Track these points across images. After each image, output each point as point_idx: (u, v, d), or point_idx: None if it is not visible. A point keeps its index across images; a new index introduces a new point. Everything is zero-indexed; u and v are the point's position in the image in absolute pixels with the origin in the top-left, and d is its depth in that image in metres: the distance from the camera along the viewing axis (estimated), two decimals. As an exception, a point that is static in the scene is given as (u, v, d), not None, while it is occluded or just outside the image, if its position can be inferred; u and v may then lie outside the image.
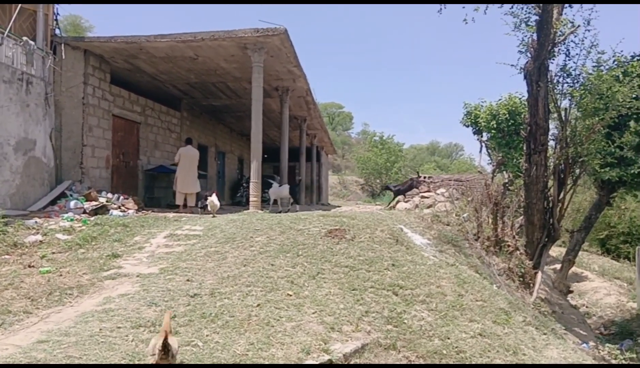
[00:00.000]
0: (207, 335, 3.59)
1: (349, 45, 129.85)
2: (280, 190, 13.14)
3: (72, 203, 9.34)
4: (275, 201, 12.95)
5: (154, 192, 14.25)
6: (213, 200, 10.05)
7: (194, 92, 15.53)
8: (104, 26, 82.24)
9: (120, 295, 4.47)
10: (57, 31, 11.26)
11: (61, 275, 5.26)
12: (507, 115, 15.29)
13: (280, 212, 10.62)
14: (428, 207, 13.69)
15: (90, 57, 11.33)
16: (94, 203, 9.61)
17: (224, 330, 3.71)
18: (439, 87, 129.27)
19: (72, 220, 8.07)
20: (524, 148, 9.44)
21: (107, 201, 10.10)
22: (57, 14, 11.35)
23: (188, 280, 4.87)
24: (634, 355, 8.35)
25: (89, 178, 11.18)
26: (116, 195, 10.77)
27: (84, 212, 9.09)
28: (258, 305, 4.26)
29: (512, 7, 9.13)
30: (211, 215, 9.56)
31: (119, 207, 10.06)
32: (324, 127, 23.50)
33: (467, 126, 17.23)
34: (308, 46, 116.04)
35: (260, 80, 11.07)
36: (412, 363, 3.90)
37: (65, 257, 6.06)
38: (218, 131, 20.55)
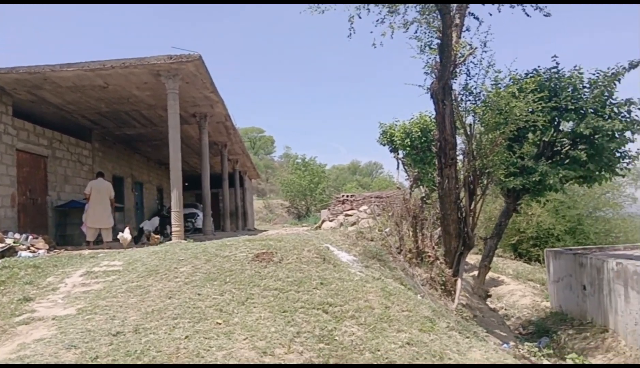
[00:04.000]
0: (133, 374, 3.43)
1: (267, 69, 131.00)
2: (153, 222, 14.25)
3: (-27, 248, 8.55)
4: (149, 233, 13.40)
5: (67, 229, 13.39)
6: (123, 235, 10.20)
7: (106, 121, 14.90)
8: (5, 57, 77.26)
9: (36, 340, 4.15)
10: (-52, 62, 10.42)
11: (-34, 325, 4.79)
12: (420, 133, 16.13)
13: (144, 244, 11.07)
14: (352, 225, 13.98)
15: (-11, 89, 10.58)
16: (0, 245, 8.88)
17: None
18: (357, 108, 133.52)
19: (-27, 265, 7.37)
20: (436, 163, 9.96)
21: (14, 242, 9.36)
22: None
23: (109, 319, 4.63)
24: (551, 351, 8.97)
25: (-8, 219, 10.33)
26: (24, 235, 10.01)
27: (-12, 256, 8.36)
28: (186, 337, 4.13)
29: (416, 32, 9.70)
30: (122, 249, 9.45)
31: (28, 248, 9.37)
32: (246, 152, 23.41)
33: (384, 145, 17.96)
34: (225, 72, 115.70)
35: (176, 107, 10.87)
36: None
37: (-32, 306, 5.53)
38: (134, 161, 19.79)
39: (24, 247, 9.40)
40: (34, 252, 9.15)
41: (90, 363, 3.58)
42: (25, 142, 11.99)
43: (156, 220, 14.07)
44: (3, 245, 8.90)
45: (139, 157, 20.55)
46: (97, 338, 4.08)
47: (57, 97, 12.12)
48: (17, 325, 4.74)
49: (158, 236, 11.62)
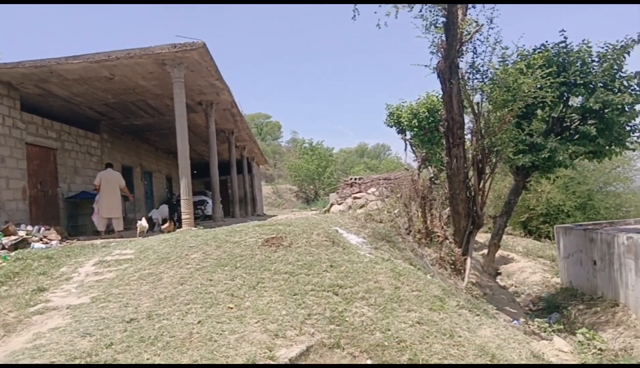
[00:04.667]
0: (147, 359, 3.50)
1: (271, 55, 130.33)
2: (161, 211, 14.32)
3: (-13, 241, 8.69)
4: (164, 221, 13.36)
5: (78, 220, 13.56)
6: (142, 223, 10.45)
7: (113, 112, 14.97)
8: (11, 52, 77.91)
9: (51, 329, 4.25)
10: (-44, 59, 10.49)
11: (-17, 316, 4.90)
12: (427, 113, 16.01)
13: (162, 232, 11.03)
14: (360, 207, 14.01)
15: (-3, 84, 10.66)
16: (12, 237, 9.00)
17: (165, 351, 3.63)
18: (363, 91, 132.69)
19: (-11, 258, 7.51)
20: (444, 143, 9.89)
21: (27, 234, 9.50)
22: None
23: (123, 306, 4.71)
24: (561, 327, 8.98)
25: (6, 211, 10.48)
26: (37, 227, 10.15)
27: (3, 248, 8.48)
28: (199, 322, 4.20)
29: (421, 11, 9.56)
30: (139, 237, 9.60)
31: (41, 239, 9.51)
32: (253, 138, 23.44)
33: (391, 126, 17.87)
34: (230, 58, 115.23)
35: (182, 95, 10.88)
36: (356, 357, 4.01)
37: (-15, 297, 5.64)
38: (142, 151, 19.91)
39: (37, 238, 9.54)
40: (46, 243, 9.28)
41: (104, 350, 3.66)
42: (35, 136, 12.09)
43: (165, 209, 14.17)
44: (16, 237, 9.04)
45: (147, 146, 20.66)
46: (111, 325, 4.16)
47: (64, 90, 12.18)
48: (32, 315, 4.84)
49: (169, 224, 11.72)
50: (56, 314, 4.77)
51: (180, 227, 10.92)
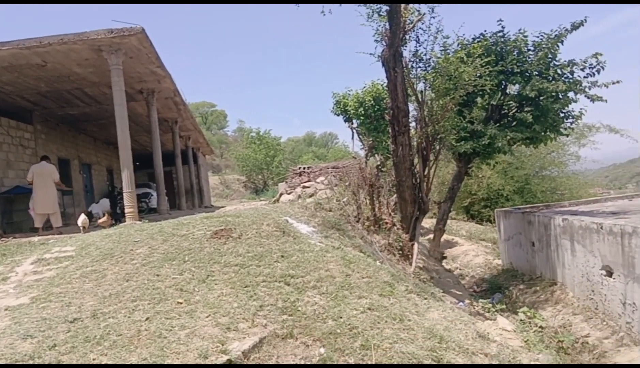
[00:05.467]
0: (94, 359, 3.37)
1: (214, 43, 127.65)
2: (102, 204, 14.17)
3: None
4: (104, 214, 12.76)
5: (13, 216, 12.80)
6: (86, 218, 9.95)
7: (47, 101, 14.17)
8: None
9: (-12, 333, 3.99)
10: None
11: None
12: (373, 102, 16.23)
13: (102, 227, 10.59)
14: (310, 196, 14.04)
15: None
16: (-63, 238, 8.40)
17: (112, 350, 3.50)
18: (309, 79, 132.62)
19: None
20: (390, 131, 10.04)
21: (-45, 234, 8.89)
22: None
23: (65, 306, 4.50)
24: (504, 306, 9.39)
25: None
26: (-34, 226, 9.52)
27: None
28: (147, 318, 4.08)
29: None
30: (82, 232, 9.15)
31: (-29, 239, 8.92)
32: (198, 128, 22.92)
33: (338, 115, 18.00)
34: (172, 47, 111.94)
35: (121, 83, 10.45)
36: (309, 346, 4.03)
37: None
38: (80, 142, 19.01)
39: (-33, 237, 8.95)
40: (-22, 242, 8.72)
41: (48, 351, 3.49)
42: (-40, 127, 11.28)
43: (106, 202, 13.62)
44: (-57, 237, 8.44)
45: (85, 137, 19.75)
46: (53, 326, 3.97)
47: (-9, 78, 11.42)
48: (-34, 319, 4.53)
49: (106, 218, 11.11)
50: (-8, 317, 4.49)
51: (123, 221, 10.54)
